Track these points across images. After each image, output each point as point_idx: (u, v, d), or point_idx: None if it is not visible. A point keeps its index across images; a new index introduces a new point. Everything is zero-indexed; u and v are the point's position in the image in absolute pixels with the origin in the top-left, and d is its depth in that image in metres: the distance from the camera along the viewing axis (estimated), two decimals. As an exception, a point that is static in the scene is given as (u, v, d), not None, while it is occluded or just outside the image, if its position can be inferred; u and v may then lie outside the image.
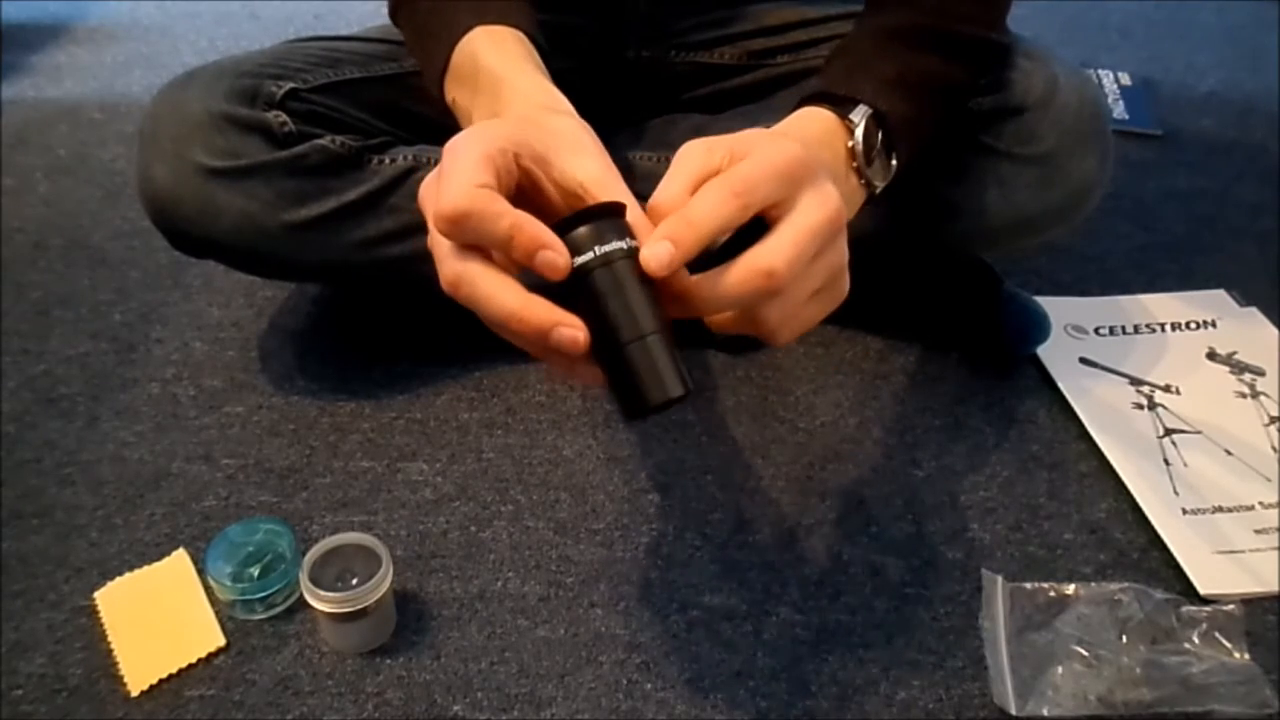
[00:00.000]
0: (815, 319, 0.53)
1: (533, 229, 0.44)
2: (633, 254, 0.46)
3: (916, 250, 0.90)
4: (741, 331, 0.52)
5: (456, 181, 0.44)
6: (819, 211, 0.48)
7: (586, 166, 0.49)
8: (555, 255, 0.44)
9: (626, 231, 0.46)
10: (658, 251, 0.45)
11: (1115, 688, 0.65)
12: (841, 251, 0.51)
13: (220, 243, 0.80)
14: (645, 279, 0.46)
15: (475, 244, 0.44)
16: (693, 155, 0.50)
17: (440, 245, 0.45)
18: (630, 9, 0.89)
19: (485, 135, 0.47)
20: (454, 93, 0.64)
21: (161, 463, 0.83)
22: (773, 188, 0.47)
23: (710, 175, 0.49)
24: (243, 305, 0.99)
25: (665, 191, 0.49)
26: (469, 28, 0.63)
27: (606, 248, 0.45)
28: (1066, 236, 1.01)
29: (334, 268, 0.84)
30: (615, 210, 0.47)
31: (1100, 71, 1.43)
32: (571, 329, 0.45)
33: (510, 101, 0.58)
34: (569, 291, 0.46)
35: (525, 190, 0.47)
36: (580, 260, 0.45)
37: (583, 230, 0.45)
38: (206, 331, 0.96)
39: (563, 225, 0.45)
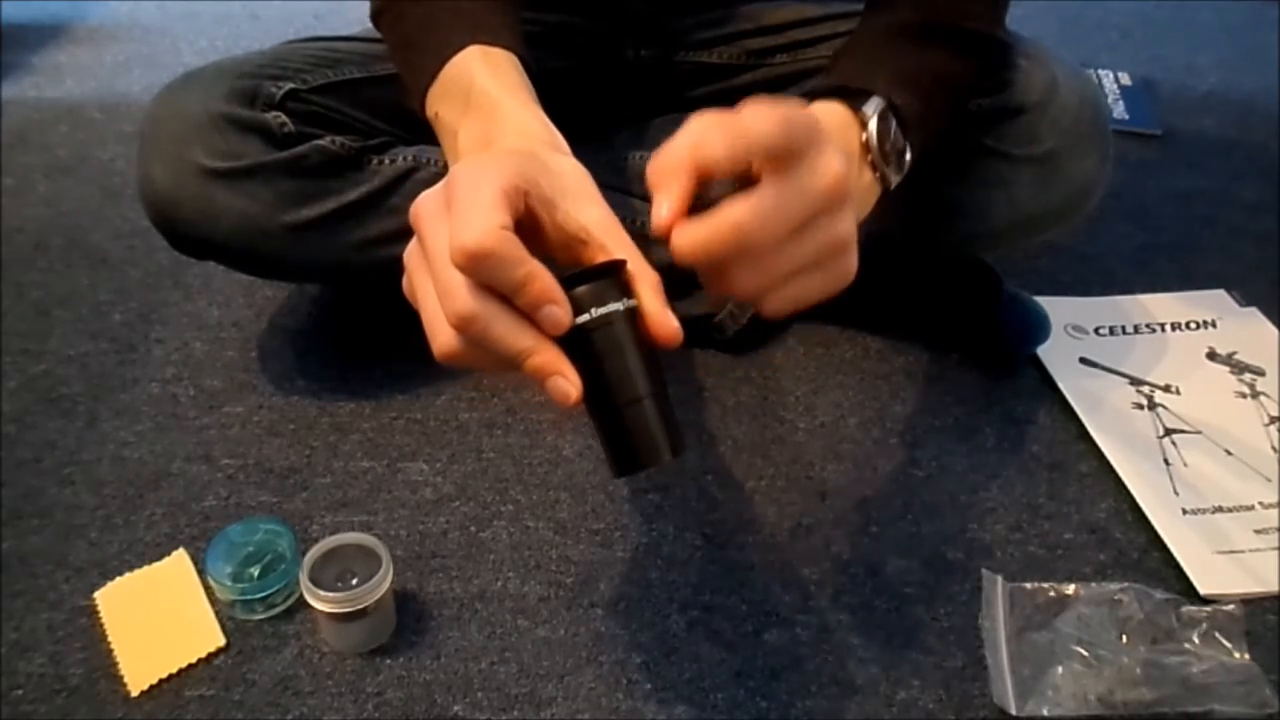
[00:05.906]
0: (810, 295, 0.49)
1: (546, 281, 0.44)
2: (632, 314, 0.47)
3: (917, 251, 0.90)
4: (723, 293, 0.49)
5: (478, 218, 0.43)
6: (812, 178, 0.46)
7: (591, 213, 0.50)
8: (561, 312, 0.45)
9: (626, 290, 0.47)
10: (657, 215, 0.44)
11: (1115, 688, 0.65)
12: (841, 228, 0.49)
13: (220, 244, 0.80)
14: (643, 339, 0.47)
15: (483, 281, 0.44)
16: (703, 118, 0.48)
17: (453, 279, 0.44)
18: (630, 9, 0.89)
19: (500, 169, 0.46)
20: (438, 107, 0.63)
21: (161, 463, 0.83)
22: (771, 133, 0.44)
23: None
24: (243, 305, 0.99)
25: (667, 148, 0.47)
26: (461, 45, 0.62)
27: (606, 309, 0.46)
28: (1066, 236, 1.01)
29: (334, 268, 0.84)
30: (617, 269, 0.48)
31: (1100, 71, 1.43)
32: (567, 383, 0.45)
33: (504, 127, 0.57)
34: (565, 346, 0.46)
35: (524, 227, 0.47)
36: (581, 320, 0.46)
37: (585, 289, 0.46)
38: (206, 331, 0.96)
39: (566, 281, 0.46)
